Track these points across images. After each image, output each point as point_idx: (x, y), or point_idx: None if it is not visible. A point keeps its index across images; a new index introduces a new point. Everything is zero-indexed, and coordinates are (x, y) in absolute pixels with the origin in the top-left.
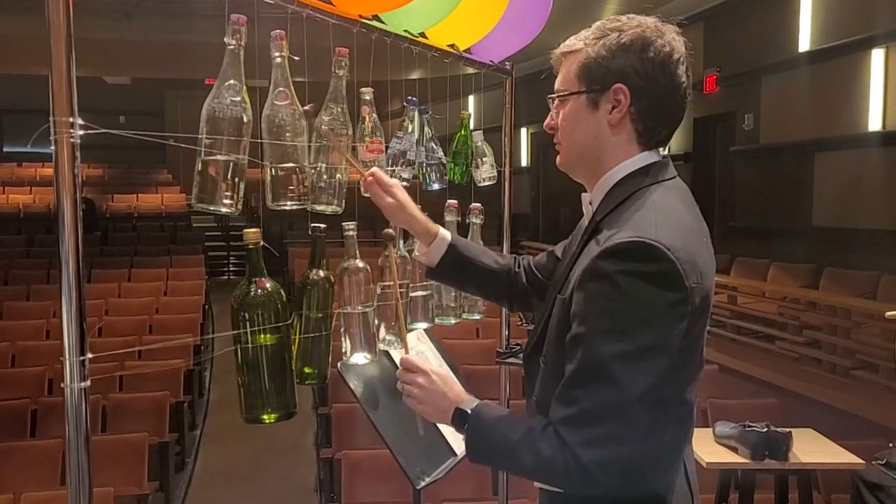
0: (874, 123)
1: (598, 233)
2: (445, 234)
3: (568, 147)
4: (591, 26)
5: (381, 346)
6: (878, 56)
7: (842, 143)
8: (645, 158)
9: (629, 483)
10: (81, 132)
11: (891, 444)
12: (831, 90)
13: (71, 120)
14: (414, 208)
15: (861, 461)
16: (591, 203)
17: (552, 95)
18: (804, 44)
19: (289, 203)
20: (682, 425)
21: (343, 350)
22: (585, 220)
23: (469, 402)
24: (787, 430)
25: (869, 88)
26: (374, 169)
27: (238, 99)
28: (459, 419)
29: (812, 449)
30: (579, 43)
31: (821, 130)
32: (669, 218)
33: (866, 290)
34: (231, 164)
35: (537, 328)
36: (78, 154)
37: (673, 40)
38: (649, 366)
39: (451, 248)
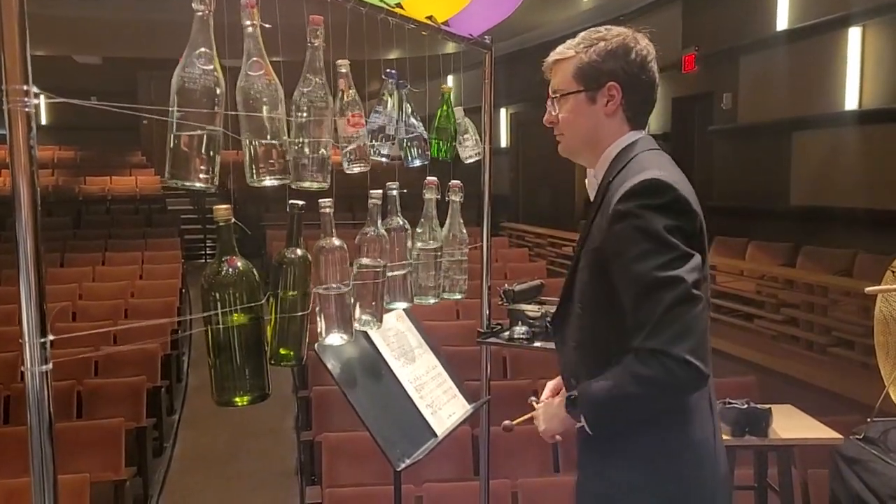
0: (851, 102)
1: (609, 191)
2: None
3: (571, 136)
4: (575, 35)
5: (358, 326)
6: (854, 34)
7: (819, 121)
8: (634, 135)
9: (705, 365)
10: (37, 101)
11: (868, 420)
12: (809, 69)
13: (25, 88)
14: None
15: (839, 436)
16: (595, 177)
17: (554, 94)
18: (782, 23)
19: (269, 178)
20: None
21: (318, 330)
22: (593, 192)
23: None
24: (767, 406)
25: (846, 67)
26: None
27: (210, 68)
28: (571, 405)
29: (791, 425)
30: (570, 51)
31: (798, 109)
32: (665, 168)
33: (843, 267)
34: (205, 138)
35: (564, 288)
36: (34, 125)
37: (648, 45)
38: (682, 269)
39: None
